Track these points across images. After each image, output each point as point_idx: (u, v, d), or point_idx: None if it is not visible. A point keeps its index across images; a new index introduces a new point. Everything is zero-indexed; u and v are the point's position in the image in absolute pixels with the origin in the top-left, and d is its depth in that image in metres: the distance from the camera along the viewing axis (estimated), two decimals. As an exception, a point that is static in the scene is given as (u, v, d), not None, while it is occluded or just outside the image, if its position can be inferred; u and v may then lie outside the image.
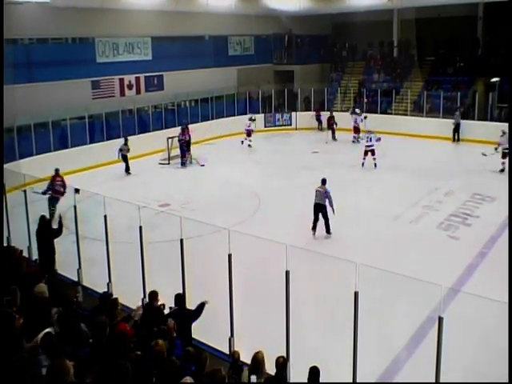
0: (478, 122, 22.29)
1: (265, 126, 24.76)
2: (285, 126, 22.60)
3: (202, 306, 6.46)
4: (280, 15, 27.92)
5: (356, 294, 5.69)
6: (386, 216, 12.96)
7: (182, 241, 7.26)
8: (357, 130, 22.13)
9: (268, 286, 8.39)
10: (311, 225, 11.71)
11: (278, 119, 25.41)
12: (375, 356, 7.00)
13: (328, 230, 11.69)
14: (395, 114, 24.36)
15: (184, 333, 6.13)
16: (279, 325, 6.33)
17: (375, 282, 8.81)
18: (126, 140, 17.79)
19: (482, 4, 25.95)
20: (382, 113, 24.62)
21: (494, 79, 23.54)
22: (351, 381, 5.79)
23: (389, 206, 13.77)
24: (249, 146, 21.04)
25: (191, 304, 6.62)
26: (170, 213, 11.44)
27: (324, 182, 11.74)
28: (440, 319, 5.23)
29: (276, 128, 24.41)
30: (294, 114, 25.46)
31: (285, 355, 5.90)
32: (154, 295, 6.36)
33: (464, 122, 22.22)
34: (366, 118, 22.01)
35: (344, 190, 15.09)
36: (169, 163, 18.99)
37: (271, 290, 7.57)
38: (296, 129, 24.04)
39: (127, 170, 17.70)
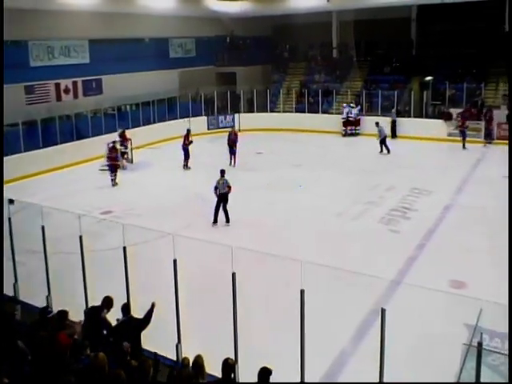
0: (414, 119, 23.28)
1: (208, 129, 24.67)
2: (228, 127, 22.60)
3: (150, 312, 6.34)
4: (221, 17, 27.93)
5: (302, 291, 5.76)
6: (328, 213, 13.22)
7: (124, 248, 7.09)
8: (351, 123, 23.76)
9: (215, 289, 8.35)
10: (213, 218, 12.43)
11: (222, 121, 25.39)
12: (322, 351, 7.11)
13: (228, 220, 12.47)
14: (336, 114, 24.93)
15: (133, 343, 6.00)
16: (227, 327, 6.32)
17: (320, 279, 9.00)
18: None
19: (415, 6, 27.08)
20: (323, 112, 25.21)
21: (428, 78, 24.61)
22: (299, 378, 5.85)
23: (331, 203, 14.07)
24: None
25: (137, 312, 6.48)
26: (113, 220, 11.19)
27: (223, 172, 12.68)
28: (383, 311, 5.36)
29: (219, 130, 24.36)
30: (237, 115, 25.53)
31: (233, 357, 5.90)
32: (106, 302, 6.20)
33: (401, 120, 23.12)
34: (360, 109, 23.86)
35: (288, 190, 15.33)
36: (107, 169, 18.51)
37: (218, 293, 7.53)
38: (240, 130, 24.10)
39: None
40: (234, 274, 6.16)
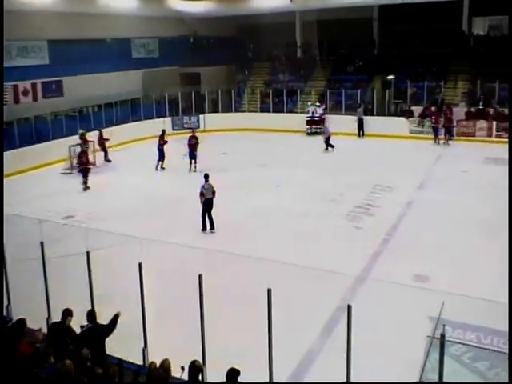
0: (377, 117, 23.69)
1: (173, 129, 24.43)
2: (193, 128, 22.46)
3: (115, 319, 6.25)
4: (184, 17, 27.73)
5: (269, 291, 5.77)
6: (294, 212, 13.31)
7: (88, 253, 6.95)
8: (316, 122, 23.93)
9: (182, 291, 8.27)
10: (201, 225, 12.05)
11: (186, 122, 25.20)
12: (290, 350, 7.15)
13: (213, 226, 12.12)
14: (301, 113, 25.12)
15: (98, 349, 5.90)
16: (195, 330, 6.28)
17: (287, 278, 9.07)
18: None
19: (376, 6, 27.59)
20: (288, 112, 25.40)
21: (390, 77, 25.09)
22: (268, 378, 5.87)
23: (296, 202, 14.18)
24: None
25: (102, 319, 6.36)
26: (75, 225, 10.95)
27: (207, 177, 12.22)
28: (349, 307, 5.42)
29: (184, 131, 24.19)
30: (201, 116, 25.41)
31: (201, 359, 5.87)
32: (66, 313, 6.05)
33: (365, 118, 23.48)
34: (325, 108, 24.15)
35: (254, 189, 15.36)
36: (71, 172, 18.13)
37: (186, 295, 7.47)
38: (204, 131, 24.01)
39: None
40: (200, 276, 6.13)
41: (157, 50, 27.80)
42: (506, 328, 7.54)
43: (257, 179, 16.44)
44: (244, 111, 26.06)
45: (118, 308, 6.42)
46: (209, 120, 25.12)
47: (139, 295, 6.50)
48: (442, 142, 21.68)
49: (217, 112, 25.97)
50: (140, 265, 6.44)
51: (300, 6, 27.00)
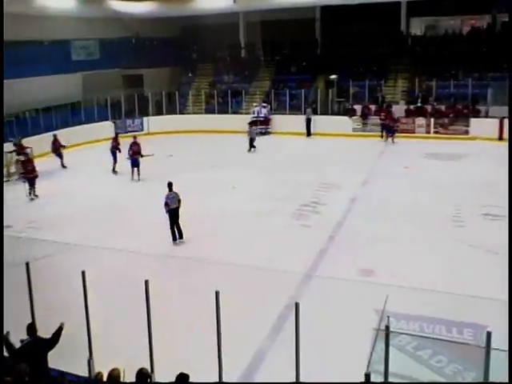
0: (321, 116, 24.11)
1: (116, 133, 23.87)
2: (136, 131, 22.02)
3: (58, 332, 6.02)
4: (124, 18, 27.17)
5: (217, 293, 5.73)
6: (242, 212, 13.31)
7: (27, 264, 6.65)
8: (261, 122, 24.12)
9: (129, 298, 8.09)
10: (171, 236, 11.39)
11: (130, 125, 24.70)
12: (240, 351, 7.14)
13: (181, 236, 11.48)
14: (246, 114, 25.19)
15: (38, 364, 5.67)
16: (142, 336, 6.15)
17: (236, 279, 9.08)
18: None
19: (318, 7, 28.08)
20: (233, 113, 25.45)
21: (333, 76, 25.63)
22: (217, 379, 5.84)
23: (244, 202, 14.18)
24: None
25: (44, 332, 6.12)
26: (12, 235, 10.47)
27: (171, 185, 11.47)
28: (296, 305, 5.47)
29: (127, 134, 23.69)
30: (145, 118, 25.00)
31: (149, 366, 5.76)
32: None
33: (312, 117, 23.85)
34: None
35: (200, 192, 15.24)
36: (8, 180, 17.37)
37: (132, 302, 7.31)
38: (149, 133, 23.63)
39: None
40: (146, 282, 6.00)
41: (97, 52, 27.04)
42: (446, 316, 7.90)
43: (204, 181, 16.31)
44: (189, 113, 25.88)
45: (61, 319, 6.21)
46: (153, 123, 24.78)
47: (83, 304, 6.30)
48: (389, 139, 22.28)
49: (161, 114, 25.62)
50: (83, 273, 6.24)
51: (243, 6, 27.11)
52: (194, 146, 22.13)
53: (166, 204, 11.20)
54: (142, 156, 17.06)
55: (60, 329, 6.02)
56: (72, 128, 22.40)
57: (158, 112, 25.99)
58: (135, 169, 17.02)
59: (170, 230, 11.32)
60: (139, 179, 16.98)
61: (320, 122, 23.71)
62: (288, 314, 7.64)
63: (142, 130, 23.97)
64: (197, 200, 14.44)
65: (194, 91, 27.63)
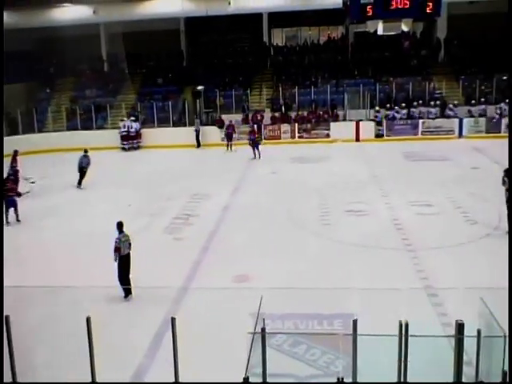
0: (189, 127, 24.03)
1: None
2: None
3: None
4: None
5: (88, 319, 5.40)
6: (112, 230, 12.63)
7: None
8: (131, 137, 23.63)
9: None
10: (124, 292, 9.17)
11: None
12: (119, 370, 6.76)
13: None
14: (112, 129, 24.29)
15: None
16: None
17: (109, 301, 8.59)
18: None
19: (182, 18, 28.08)
20: (98, 128, 24.43)
21: (200, 87, 25.77)
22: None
23: (114, 219, 13.41)
24: None
25: None
26: None
27: (121, 225, 9.40)
28: (172, 320, 5.29)
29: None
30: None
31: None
32: None
33: (180, 129, 23.86)
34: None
35: (66, 214, 14.33)
36: None
37: None
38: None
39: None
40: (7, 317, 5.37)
41: None
42: (317, 310, 8.20)
43: (74, 202, 15.47)
44: (49, 131, 24.22)
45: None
46: (7, 144, 22.55)
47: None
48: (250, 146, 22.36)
49: (17, 134, 23.58)
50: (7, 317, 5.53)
51: (103, 17, 26.04)
52: (57, 166, 20.54)
53: (117, 249, 9.06)
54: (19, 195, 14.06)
55: None
56: None
57: (14, 132, 23.78)
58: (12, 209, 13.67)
59: (118, 282, 9.11)
60: (9, 222, 13.58)
61: (189, 132, 23.67)
62: (165, 330, 7.38)
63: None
64: (56, 223, 13.53)
65: (54, 107, 25.95)
